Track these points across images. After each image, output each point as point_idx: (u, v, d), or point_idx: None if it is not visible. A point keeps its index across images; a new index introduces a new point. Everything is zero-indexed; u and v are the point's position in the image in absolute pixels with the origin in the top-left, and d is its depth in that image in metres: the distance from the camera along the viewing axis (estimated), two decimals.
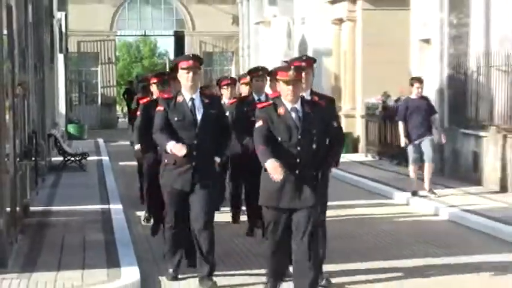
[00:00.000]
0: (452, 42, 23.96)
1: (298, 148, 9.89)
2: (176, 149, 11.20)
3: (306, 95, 11.09)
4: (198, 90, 11.58)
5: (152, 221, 16.33)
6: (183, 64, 11.33)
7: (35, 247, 14.36)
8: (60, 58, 38.25)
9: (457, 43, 23.85)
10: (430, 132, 20.07)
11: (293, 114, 9.96)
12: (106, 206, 18.71)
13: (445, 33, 24.17)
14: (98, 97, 51.21)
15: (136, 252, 13.59)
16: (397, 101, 28.15)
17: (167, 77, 15.66)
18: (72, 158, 27.14)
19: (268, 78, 15.19)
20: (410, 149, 20.08)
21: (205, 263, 11.68)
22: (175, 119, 11.39)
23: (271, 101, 10.74)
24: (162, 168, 11.84)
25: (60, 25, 38.44)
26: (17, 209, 16.05)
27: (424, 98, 20.49)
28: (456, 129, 23.01)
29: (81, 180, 24.30)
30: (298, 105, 10.03)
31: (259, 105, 10.49)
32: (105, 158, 30.15)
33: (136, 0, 52.66)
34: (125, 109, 51.53)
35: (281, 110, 9.95)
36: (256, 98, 15.21)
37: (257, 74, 15.49)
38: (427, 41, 25.70)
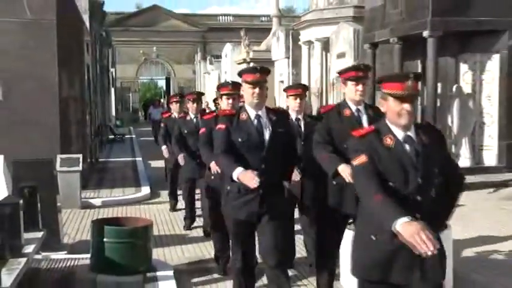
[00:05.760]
0: (293, 82, 23.94)
1: (418, 198, 2.86)
2: (246, 178, 4.08)
3: (362, 108, 4.65)
4: (264, 106, 4.53)
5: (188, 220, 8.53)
6: (248, 77, 4.43)
7: (101, 177, 13.92)
8: (112, 90, 37.47)
9: (296, 82, 23.86)
10: None
11: (407, 147, 2.92)
12: (134, 158, 18.18)
13: (290, 78, 24.12)
14: (130, 107, 50.13)
15: (148, 180, 13.16)
16: None
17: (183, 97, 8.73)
18: (118, 136, 26.55)
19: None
20: None
21: None
22: (239, 139, 4.35)
23: (373, 126, 3.06)
24: (224, 196, 4.52)
25: (113, 74, 37.69)
26: (93, 160, 15.73)
27: None
28: None
29: (122, 147, 23.72)
30: (412, 133, 2.95)
31: (356, 133, 3.06)
32: (133, 136, 29.36)
33: (147, 61, 51.66)
34: (143, 113, 50.99)
35: (388, 140, 2.91)
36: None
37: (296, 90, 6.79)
38: (282, 81, 25.52)
